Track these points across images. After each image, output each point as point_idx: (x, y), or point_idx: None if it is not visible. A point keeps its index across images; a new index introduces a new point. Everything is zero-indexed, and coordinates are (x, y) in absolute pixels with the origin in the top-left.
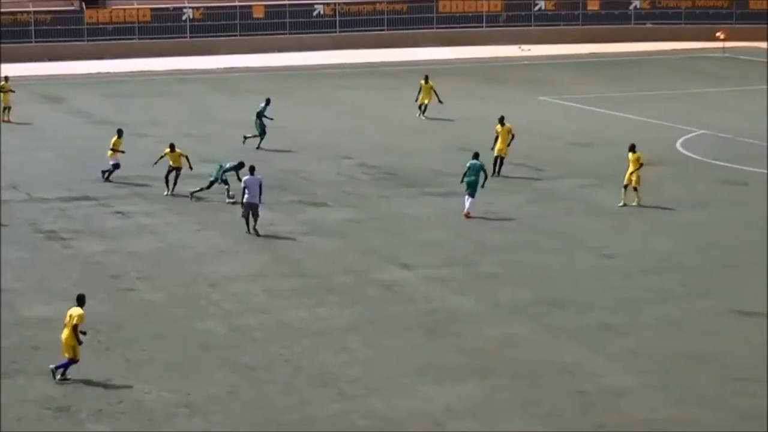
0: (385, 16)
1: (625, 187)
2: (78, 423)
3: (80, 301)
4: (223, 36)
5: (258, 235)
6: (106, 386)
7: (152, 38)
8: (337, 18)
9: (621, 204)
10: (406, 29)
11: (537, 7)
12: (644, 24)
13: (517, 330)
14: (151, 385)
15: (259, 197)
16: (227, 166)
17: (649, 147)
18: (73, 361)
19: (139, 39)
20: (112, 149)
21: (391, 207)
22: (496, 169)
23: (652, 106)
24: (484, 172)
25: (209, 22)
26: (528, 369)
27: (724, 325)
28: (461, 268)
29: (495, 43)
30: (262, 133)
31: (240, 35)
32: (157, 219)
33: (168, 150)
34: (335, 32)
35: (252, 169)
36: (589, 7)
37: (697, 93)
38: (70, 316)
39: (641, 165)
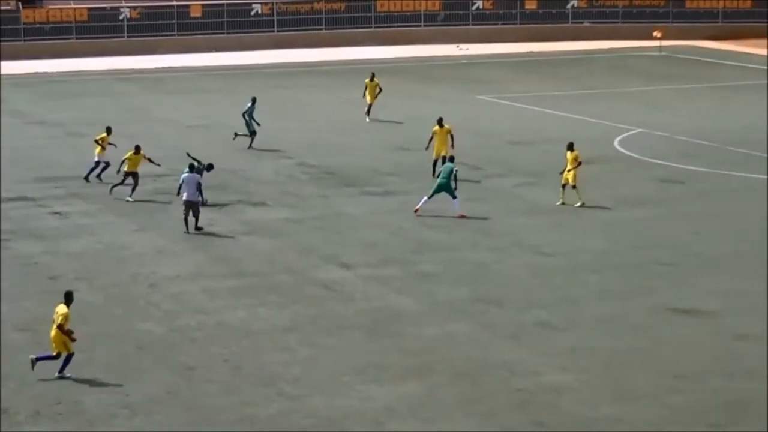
0: (324, 16)
1: (563, 186)
2: (16, 424)
3: (67, 298)
4: (161, 35)
5: (201, 230)
6: (44, 387)
7: (90, 38)
8: (275, 17)
9: (559, 203)
10: (344, 28)
11: (475, 7)
12: (582, 23)
13: (457, 328)
14: (90, 385)
15: (201, 196)
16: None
17: (587, 145)
18: (69, 356)
19: (77, 39)
20: (100, 145)
21: (331, 206)
22: (437, 171)
23: (590, 104)
24: (455, 178)
25: (147, 22)
26: (467, 367)
27: (663, 322)
28: (400, 267)
29: (433, 43)
30: (252, 133)
31: (178, 35)
32: (95, 219)
33: (132, 152)
34: (273, 31)
35: (199, 170)
36: (526, 6)
37: (634, 91)
38: (56, 314)
39: (579, 164)
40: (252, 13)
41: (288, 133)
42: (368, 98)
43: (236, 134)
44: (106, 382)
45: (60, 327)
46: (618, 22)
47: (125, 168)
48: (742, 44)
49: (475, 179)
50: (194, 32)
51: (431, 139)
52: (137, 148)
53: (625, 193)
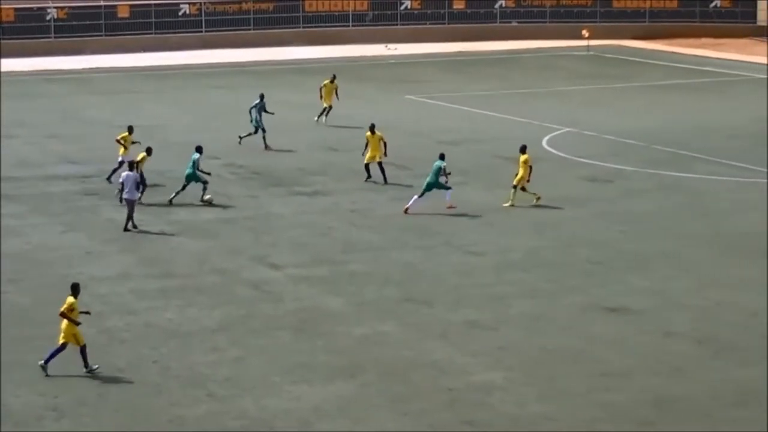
0: (252, 16)
1: (515, 187)
2: None
3: (74, 290)
4: (89, 36)
5: (135, 228)
6: None
7: (16, 38)
8: (203, 17)
9: (508, 204)
10: (272, 28)
11: (403, 6)
12: (510, 22)
13: (386, 328)
14: (19, 388)
15: (138, 194)
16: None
17: (516, 145)
18: (82, 348)
19: (3, 39)
20: (122, 145)
21: (259, 206)
22: (370, 175)
23: (518, 104)
24: (443, 171)
25: (74, 22)
26: (396, 367)
27: (591, 320)
28: (329, 267)
29: (362, 42)
30: (263, 130)
31: (105, 35)
32: (22, 221)
33: (144, 154)
34: (201, 32)
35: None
36: (455, 6)
37: (562, 91)
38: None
39: (530, 167)
40: (180, 13)
41: (216, 134)
42: (325, 101)
43: (240, 137)
44: (35, 384)
45: (63, 314)
46: (546, 22)
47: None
48: (669, 43)
49: (405, 179)
50: (122, 32)
51: (366, 145)
52: (149, 150)
53: (553, 193)
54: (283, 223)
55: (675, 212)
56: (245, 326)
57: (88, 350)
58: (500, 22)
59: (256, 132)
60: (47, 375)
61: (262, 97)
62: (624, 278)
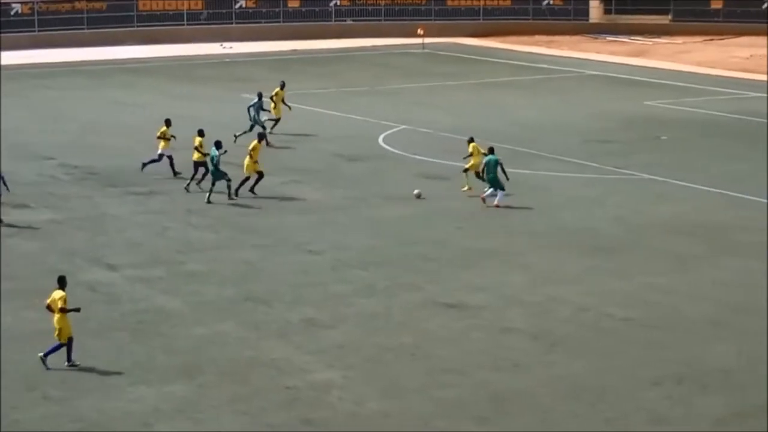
0: (85, 15)
1: (466, 171)
2: None
3: (61, 282)
4: None
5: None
6: None
7: None
8: (36, 17)
9: (466, 188)
10: (106, 28)
11: (238, 5)
12: (345, 21)
13: (224, 328)
14: None
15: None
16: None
17: (352, 143)
18: (70, 341)
19: None
20: (163, 138)
21: (95, 207)
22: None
23: (354, 102)
24: (500, 165)
25: None
26: (235, 366)
27: (429, 317)
28: (166, 268)
29: (197, 41)
30: (262, 126)
31: None
32: None
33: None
34: (34, 31)
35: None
36: (289, 5)
37: (398, 88)
38: (53, 299)
39: (484, 154)
40: (12, 12)
41: (50, 134)
42: (275, 111)
43: (236, 135)
44: None
45: (63, 309)
46: (381, 20)
47: (193, 157)
48: (503, 41)
49: (238, 176)
50: None
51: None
52: (201, 133)
53: (389, 190)
54: (119, 224)
55: (511, 209)
56: (82, 328)
57: None
58: (335, 21)
59: (251, 130)
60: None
61: (260, 96)
62: (460, 275)
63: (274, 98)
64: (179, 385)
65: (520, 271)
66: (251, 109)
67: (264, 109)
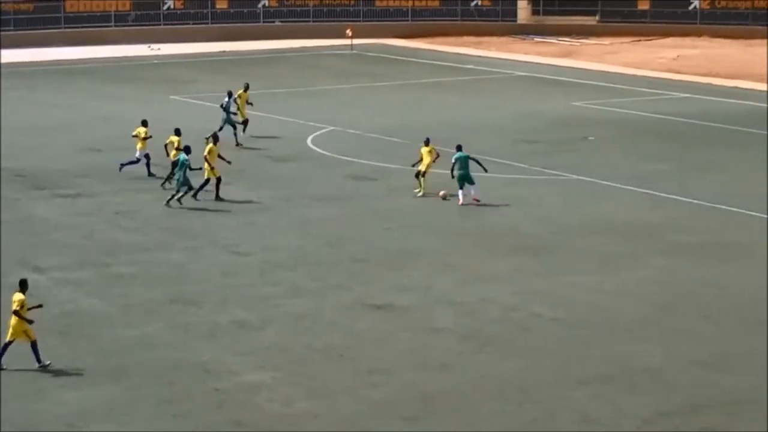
0: (12, 17)
1: (422, 175)
2: None
3: (22, 286)
4: None
5: None
6: None
7: None
8: None
9: (419, 191)
10: (33, 29)
11: (166, 6)
12: (273, 22)
13: (152, 330)
14: None
15: None
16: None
17: (281, 144)
18: (33, 343)
19: None
20: (141, 138)
21: (22, 209)
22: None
23: (282, 103)
24: (475, 159)
25: None
26: (163, 368)
27: (357, 318)
28: (94, 270)
29: (125, 43)
30: (233, 125)
31: None
32: None
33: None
34: None
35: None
36: (218, 6)
37: (326, 90)
38: (13, 302)
39: (437, 156)
40: None
41: None
42: (241, 113)
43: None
44: None
45: (17, 312)
46: (309, 21)
47: (170, 157)
48: (432, 42)
49: (161, 177)
50: None
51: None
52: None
53: (318, 191)
54: (47, 226)
55: (439, 209)
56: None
57: None
58: (264, 22)
59: (235, 127)
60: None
61: (230, 94)
62: (389, 275)
63: (238, 101)
64: (107, 387)
65: (448, 271)
66: (224, 108)
67: (228, 110)
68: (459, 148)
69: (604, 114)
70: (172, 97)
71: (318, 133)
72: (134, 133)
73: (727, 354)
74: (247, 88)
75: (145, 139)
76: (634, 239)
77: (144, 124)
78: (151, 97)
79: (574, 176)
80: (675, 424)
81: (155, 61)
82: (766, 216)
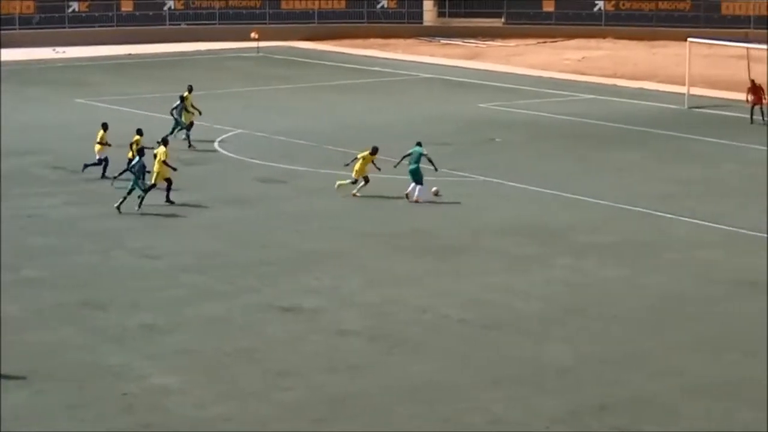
0: None
1: (354, 182)
2: None
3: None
4: None
5: None
6: None
7: None
8: None
9: (357, 192)
10: None
11: (70, 9)
12: (179, 24)
13: (62, 334)
14: None
15: None
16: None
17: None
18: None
19: None
20: (99, 143)
21: None
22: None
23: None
24: (428, 158)
25: None
26: (73, 373)
27: (266, 320)
28: (3, 274)
29: (29, 46)
30: (184, 127)
31: None
32: None
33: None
34: None
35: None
36: (123, 9)
37: (233, 92)
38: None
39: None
40: None
41: None
42: (186, 116)
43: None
44: None
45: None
46: (215, 24)
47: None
48: (338, 44)
49: (78, 183)
50: None
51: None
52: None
53: (226, 194)
54: None
55: (348, 211)
56: None
57: None
58: (169, 24)
59: (172, 133)
60: None
61: (182, 98)
62: (297, 277)
63: (186, 103)
64: (15, 392)
65: (356, 273)
66: (174, 111)
67: (172, 114)
68: (419, 144)
69: (510, 115)
70: (77, 100)
71: (225, 135)
72: (97, 140)
73: (636, 353)
74: (191, 90)
75: (103, 144)
76: (543, 240)
77: (104, 127)
78: (56, 99)
79: (482, 178)
80: (584, 423)
81: (60, 65)
82: (672, 216)
